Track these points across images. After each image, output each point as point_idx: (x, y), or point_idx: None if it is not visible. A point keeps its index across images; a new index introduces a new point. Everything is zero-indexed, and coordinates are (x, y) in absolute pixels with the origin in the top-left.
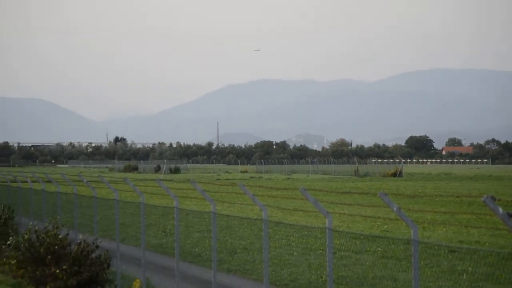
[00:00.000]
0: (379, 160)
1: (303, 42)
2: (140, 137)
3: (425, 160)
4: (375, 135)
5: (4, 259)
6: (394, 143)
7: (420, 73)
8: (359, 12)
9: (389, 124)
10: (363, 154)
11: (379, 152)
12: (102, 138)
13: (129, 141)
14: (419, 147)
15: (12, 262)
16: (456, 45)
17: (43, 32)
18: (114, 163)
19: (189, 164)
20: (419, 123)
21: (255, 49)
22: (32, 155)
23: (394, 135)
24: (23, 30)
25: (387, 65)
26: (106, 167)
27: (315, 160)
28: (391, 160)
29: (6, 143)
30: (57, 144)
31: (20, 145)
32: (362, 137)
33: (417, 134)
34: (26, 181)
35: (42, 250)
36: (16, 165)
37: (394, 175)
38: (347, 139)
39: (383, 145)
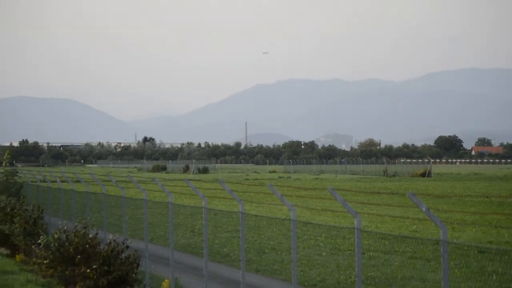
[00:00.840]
0: (408, 160)
1: (332, 42)
2: (168, 137)
3: (454, 160)
4: (404, 135)
5: (34, 259)
6: (423, 143)
7: (449, 73)
8: (387, 12)
9: (418, 124)
10: (392, 154)
11: (408, 152)
12: (131, 138)
13: (157, 141)
14: (448, 147)
15: (43, 262)
16: (487, 44)
17: (74, 33)
18: (142, 163)
19: (218, 164)
20: (448, 123)
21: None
22: (62, 155)
23: (423, 135)
24: (53, 31)
25: (415, 65)
26: (135, 167)
27: (343, 160)
28: (420, 160)
29: (36, 143)
30: (86, 144)
31: (50, 145)
32: (391, 137)
33: (446, 134)
34: (55, 181)
35: (71, 249)
36: (46, 165)
37: (423, 175)
38: (376, 139)
39: (412, 145)
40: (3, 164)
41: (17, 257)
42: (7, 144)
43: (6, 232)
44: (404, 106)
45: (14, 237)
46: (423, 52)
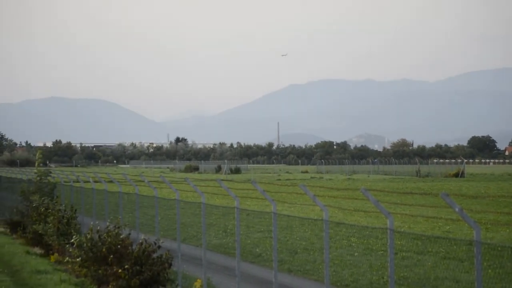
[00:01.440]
0: (441, 161)
1: (364, 41)
2: (201, 137)
3: (487, 161)
4: (437, 135)
5: (68, 259)
6: (456, 144)
7: (483, 73)
8: (421, 12)
9: (451, 124)
10: (424, 154)
11: (441, 153)
12: (163, 139)
13: (190, 142)
14: (482, 147)
15: (76, 261)
16: None
17: (105, 33)
18: (175, 163)
19: (250, 164)
20: (482, 123)
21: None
22: (95, 156)
23: (456, 135)
24: (85, 30)
25: (449, 65)
26: (167, 167)
27: (376, 160)
28: (453, 161)
29: (69, 143)
30: (119, 145)
31: (83, 145)
32: (423, 137)
33: (479, 134)
34: (88, 181)
35: (104, 249)
36: (79, 165)
37: (456, 175)
38: (409, 139)
39: (445, 145)
40: (36, 164)
41: (52, 257)
42: (41, 144)
43: (40, 232)
44: (437, 106)
45: (47, 237)
46: (456, 52)
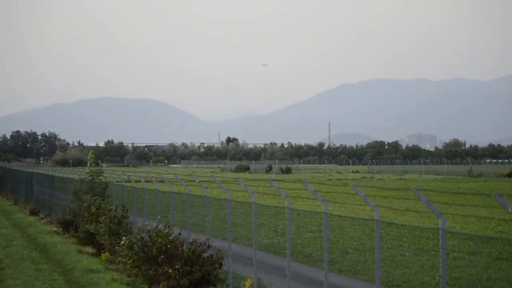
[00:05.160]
0: (494, 161)
1: (416, 41)
2: (252, 137)
3: None
4: (490, 135)
5: (119, 258)
6: (510, 143)
7: None
8: (473, 11)
9: (505, 124)
10: (477, 154)
11: (494, 152)
12: (214, 139)
13: (240, 142)
14: None
15: (128, 261)
16: None
17: (159, 32)
18: (226, 163)
19: (301, 164)
20: None
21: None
22: (146, 155)
23: (510, 135)
24: (137, 29)
25: (504, 64)
26: (218, 167)
27: (427, 160)
28: (506, 161)
29: (121, 143)
30: (170, 145)
31: (134, 145)
32: (476, 137)
33: None
34: (140, 181)
35: (154, 249)
36: (130, 165)
37: (509, 175)
38: (461, 139)
39: (498, 145)
40: (88, 164)
41: (103, 255)
42: (93, 144)
43: (91, 231)
44: (490, 106)
45: (99, 236)
46: (511, 51)
